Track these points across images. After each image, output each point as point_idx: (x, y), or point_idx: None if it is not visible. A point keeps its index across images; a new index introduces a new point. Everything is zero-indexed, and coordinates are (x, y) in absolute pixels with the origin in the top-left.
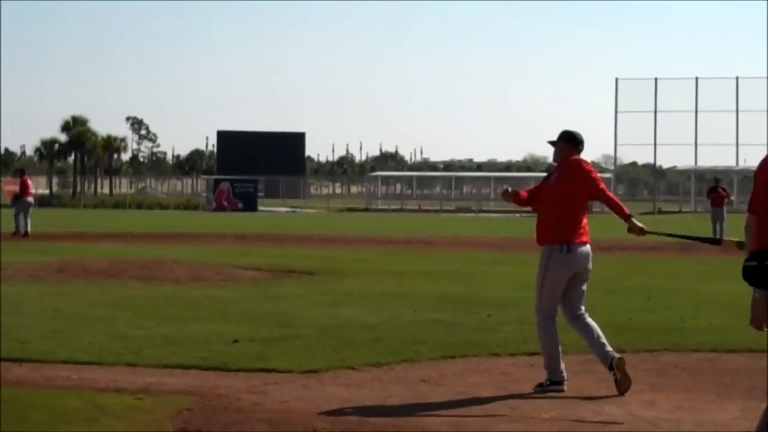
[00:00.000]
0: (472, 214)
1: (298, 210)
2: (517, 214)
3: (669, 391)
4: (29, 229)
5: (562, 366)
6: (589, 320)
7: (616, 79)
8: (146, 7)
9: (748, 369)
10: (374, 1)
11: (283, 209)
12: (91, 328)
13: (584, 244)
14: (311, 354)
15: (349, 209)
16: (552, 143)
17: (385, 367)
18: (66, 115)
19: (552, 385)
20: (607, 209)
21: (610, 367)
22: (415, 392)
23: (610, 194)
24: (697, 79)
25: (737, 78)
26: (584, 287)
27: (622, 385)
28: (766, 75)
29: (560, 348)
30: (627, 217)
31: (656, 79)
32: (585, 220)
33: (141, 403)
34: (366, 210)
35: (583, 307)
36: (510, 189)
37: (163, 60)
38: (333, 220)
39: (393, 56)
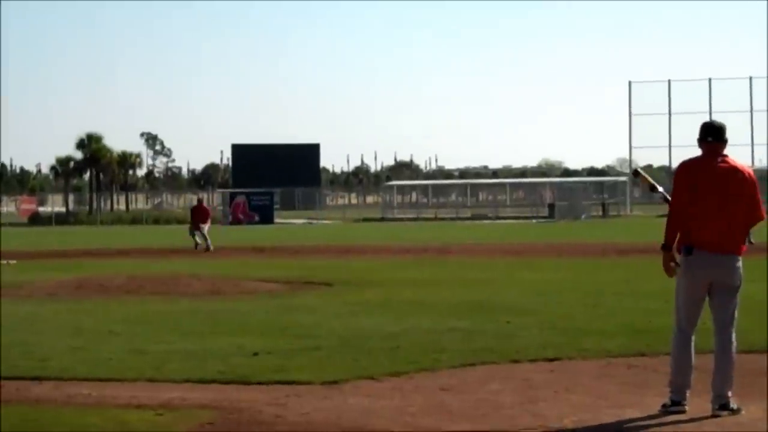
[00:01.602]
0: (489, 221)
1: (315, 221)
2: (533, 220)
3: (690, 394)
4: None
5: (688, 386)
6: (729, 345)
7: (630, 82)
8: (158, 23)
9: None
10: (386, 11)
11: (300, 221)
12: (110, 344)
13: (719, 252)
14: (331, 365)
15: (366, 219)
16: (711, 140)
17: (405, 376)
18: (80, 132)
19: (672, 405)
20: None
21: (720, 408)
22: (436, 401)
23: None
24: (710, 80)
25: (750, 78)
26: (731, 302)
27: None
28: None
29: (692, 368)
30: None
31: (669, 81)
32: (729, 228)
33: (162, 419)
34: (382, 220)
35: (729, 325)
36: (672, 262)
37: (175, 75)
38: (349, 231)
39: (405, 65)
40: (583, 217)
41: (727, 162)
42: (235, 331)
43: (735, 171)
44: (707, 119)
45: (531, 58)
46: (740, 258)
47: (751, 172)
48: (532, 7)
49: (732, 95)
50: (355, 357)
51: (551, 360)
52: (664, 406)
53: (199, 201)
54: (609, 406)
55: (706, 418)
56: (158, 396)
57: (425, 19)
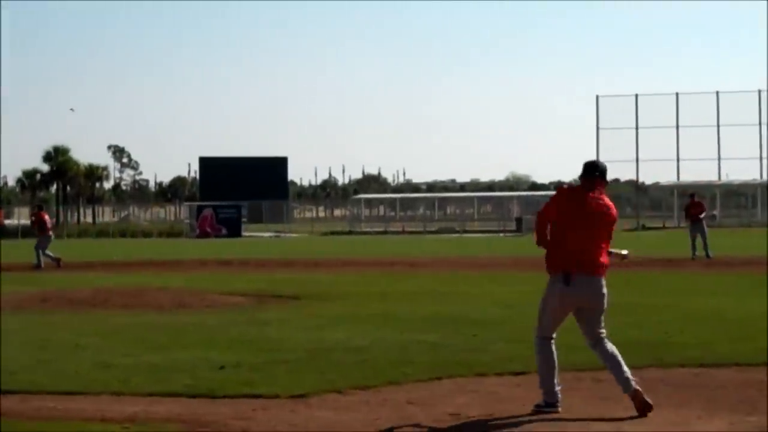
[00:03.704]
0: (456, 235)
1: (282, 235)
2: (501, 234)
3: (656, 407)
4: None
5: (558, 387)
6: (609, 347)
7: (597, 96)
8: (125, 36)
9: (734, 383)
10: (353, 25)
11: (267, 234)
12: (76, 357)
13: (591, 275)
14: (298, 378)
15: (333, 233)
16: (588, 176)
17: (372, 389)
18: (47, 145)
19: (546, 406)
20: None
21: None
22: (403, 414)
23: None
24: (677, 94)
25: (717, 92)
26: (599, 317)
27: (642, 411)
28: (746, 89)
29: (556, 370)
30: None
31: (637, 96)
32: (597, 251)
33: None
34: (350, 233)
35: (601, 334)
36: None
37: (143, 88)
38: (317, 244)
39: (372, 78)
40: None
41: (603, 199)
42: (201, 345)
43: (609, 208)
44: (674, 134)
45: (498, 72)
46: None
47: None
48: (499, 22)
49: (699, 110)
50: (322, 370)
51: (518, 374)
52: (537, 406)
53: (39, 207)
54: (575, 419)
55: (675, 429)
56: (124, 409)
57: (392, 33)
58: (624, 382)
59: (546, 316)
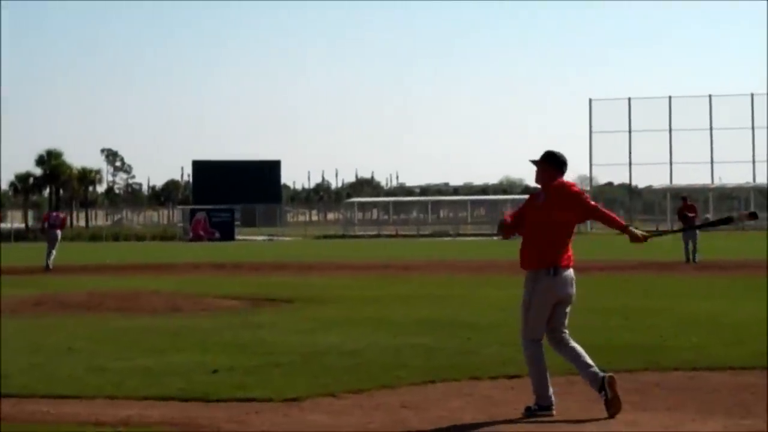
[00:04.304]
0: (450, 238)
1: (276, 238)
2: (495, 237)
3: (651, 411)
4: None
5: (551, 390)
6: (573, 342)
7: (590, 100)
8: (118, 39)
9: (728, 386)
10: (345, 28)
11: (261, 238)
12: (70, 361)
13: (569, 267)
14: (291, 382)
15: (326, 236)
16: (534, 163)
17: (365, 393)
18: (40, 148)
19: (540, 410)
20: (595, 228)
21: (601, 388)
22: (397, 418)
23: (603, 210)
24: (670, 98)
25: (710, 96)
26: (567, 310)
27: (613, 406)
28: (738, 92)
29: (548, 372)
30: (624, 228)
31: (630, 99)
32: (570, 244)
33: None
34: (343, 236)
35: (566, 330)
36: (504, 219)
37: (136, 91)
38: (310, 248)
39: (366, 82)
40: None
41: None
42: (195, 348)
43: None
44: (667, 137)
45: (491, 75)
46: None
47: (570, 185)
48: (492, 25)
49: (692, 113)
50: (316, 374)
51: (512, 377)
52: (528, 409)
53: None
54: (570, 423)
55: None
56: (118, 413)
57: (386, 37)
58: (594, 375)
59: (532, 316)
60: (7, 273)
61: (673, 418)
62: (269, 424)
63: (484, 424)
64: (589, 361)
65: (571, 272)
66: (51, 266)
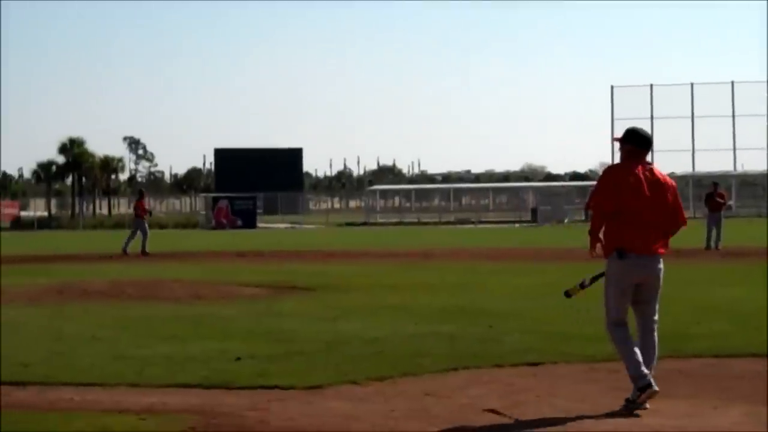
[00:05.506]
0: (472, 226)
1: (298, 226)
2: (517, 225)
3: (672, 398)
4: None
5: (644, 369)
6: (655, 336)
7: (612, 87)
8: (140, 27)
9: (749, 373)
10: (367, 16)
11: (282, 225)
12: (92, 349)
13: (648, 252)
14: (314, 370)
15: (348, 224)
16: (629, 141)
17: (388, 380)
18: (63, 136)
19: (640, 392)
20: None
21: (641, 390)
22: (419, 406)
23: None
24: (692, 84)
25: (732, 82)
26: (655, 293)
27: (630, 408)
28: (761, 79)
29: (636, 351)
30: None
31: (652, 86)
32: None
33: (145, 423)
34: (365, 224)
35: (656, 319)
36: (595, 248)
37: (158, 79)
38: (332, 235)
39: (388, 69)
40: (566, 221)
41: (653, 172)
42: (217, 336)
43: (661, 181)
44: (689, 124)
45: (514, 62)
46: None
47: (673, 182)
48: (514, 12)
49: (714, 100)
50: (338, 362)
51: (534, 364)
52: (628, 401)
53: (141, 193)
54: (590, 409)
55: (691, 419)
56: (141, 401)
57: (407, 24)
58: (643, 377)
59: (609, 300)
60: (31, 261)
61: (694, 405)
62: (292, 412)
63: (505, 409)
64: (654, 354)
65: (650, 258)
66: (148, 251)
